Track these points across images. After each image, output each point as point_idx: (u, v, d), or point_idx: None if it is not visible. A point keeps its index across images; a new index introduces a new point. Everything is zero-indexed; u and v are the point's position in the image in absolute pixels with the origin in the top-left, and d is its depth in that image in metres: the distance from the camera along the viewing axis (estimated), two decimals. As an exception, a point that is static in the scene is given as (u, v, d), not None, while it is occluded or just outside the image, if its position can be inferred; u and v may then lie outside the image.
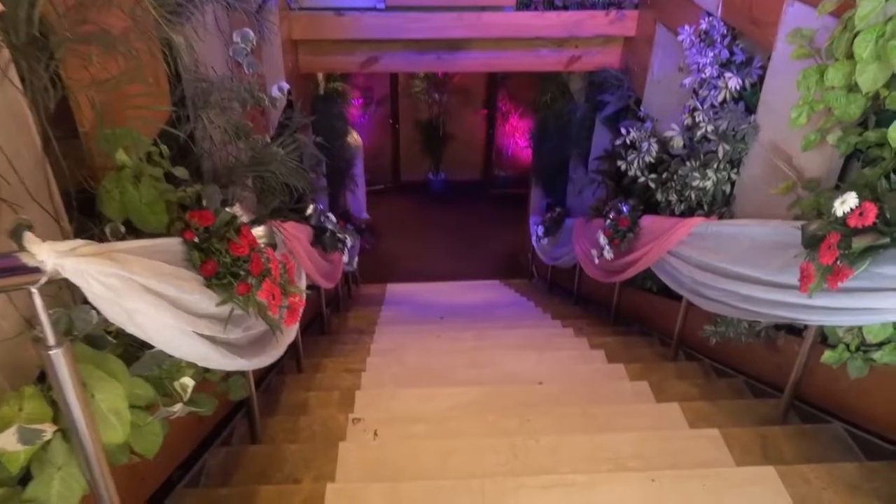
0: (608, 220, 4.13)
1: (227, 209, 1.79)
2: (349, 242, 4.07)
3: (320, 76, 5.90)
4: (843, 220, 1.97)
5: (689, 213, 3.50)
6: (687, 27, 3.39)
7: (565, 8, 4.55)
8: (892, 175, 1.95)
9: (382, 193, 10.09)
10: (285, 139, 2.76)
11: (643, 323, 4.46)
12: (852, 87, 2.06)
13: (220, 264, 1.62)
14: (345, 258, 4.01)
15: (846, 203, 1.96)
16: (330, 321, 4.99)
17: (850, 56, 1.99)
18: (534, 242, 6.32)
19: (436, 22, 4.48)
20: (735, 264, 2.79)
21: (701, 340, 3.41)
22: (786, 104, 2.82)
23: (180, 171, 1.99)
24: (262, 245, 1.77)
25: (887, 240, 1.83)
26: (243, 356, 1.82)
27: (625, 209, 4.06)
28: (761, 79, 3.04)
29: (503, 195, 9.87)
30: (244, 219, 1.77)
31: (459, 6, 4.46)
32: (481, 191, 10.15)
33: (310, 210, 3.87)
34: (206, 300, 1.51)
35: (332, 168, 6.26)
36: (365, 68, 4.89)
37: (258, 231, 1.80)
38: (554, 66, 4.99)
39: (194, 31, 2.46)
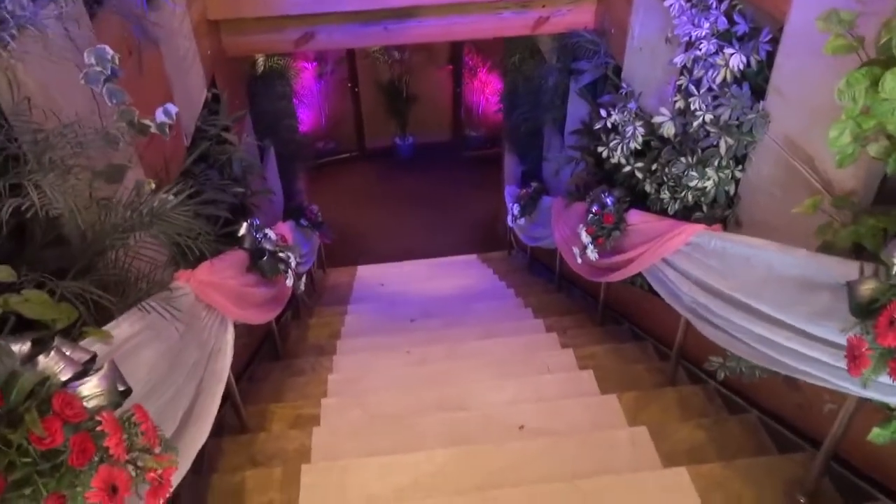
0: (590, 215, 3.59)
1: (43, 357, 1.24)
2: (293, 261, 3.50)
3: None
4: (910, 285, 1.46)
5: (684, 213, 2.97)
6: (675, -10, 2.78)
7: (528, -37, 3.88)
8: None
9: (347, 162, 9.43)
10: (183, 185, 2.16)
11: (635, 322, 3.98)
12: (916, 99, 1.51)
13: (18, 467, 1.08)
14: (289, 280, 3.45)
15: (913, 261, 1.44)
16: (288, 334, 4.48)
17: (917, 59, 1.44)
18: (510, 222, 5.78)
19: (377, -11, 3.82)
20: (747, 295, 2.28)
21: (703, 356, 2.95)
22: (803, 91, 2.26)
23: (3, 273, 1.44)
24: (95, 410, 1.22)
25: (981, 327, 1.33)
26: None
27: (609, 201, 3.51)
28: (770, 55, 2.46)
29: (477, 157, 9.25)
30: (64, 375, 1.22)
31: (404, -32, 3.78)
32: (453, 153, 9.51)
33: (242, 230, 3.28)
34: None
35: (282, 155, 5.64)
36: (300, 46, 4.22)
37: (90, 387, 1.25)
38: (519, 29, 4.34)
39: (40, 54, 1.85)
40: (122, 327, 1.73)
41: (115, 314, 1.78)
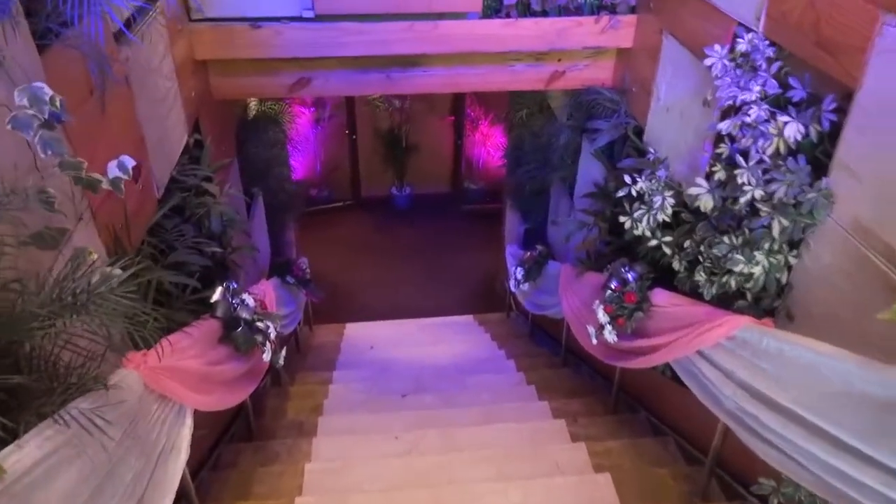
0: (609, 291, 3.22)
1: None
2: (272, 332, 3.09)
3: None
4: None
5: (722, 298, 2.59)
6: (717, 48, 2.45)
7: (545, 14, 3.58)
8: None
9: (342, 211, 9.08)
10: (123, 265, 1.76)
11: (655, 412, 3.56)
12: None
13: None
14: (266, 355, 3.02)
15: None
16: (264, 406, 4.02)
17: None
18: (511, 286, 5.39)
19: (380, 34, 3.50)
20: (815, 413, 1.88)
21: (748, 470, 2.53)
22: (883, 172, 1.90)
23: None
24: None
25: None
26: None
27: (630, 277, 3.15)
28: (834, 125, 2.12)
29: (476, 211, 8.93)
30: None
31: (409, 13, 3.47)
32: (452, 206, 9.19)
33: (216, 296, 2.88)
34: None
35: (271, 205, 5.28)
36: (295, 91, 3.89)
37: None
38: (532, 83, 4.04)
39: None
40: (26, 450, 1.32)
41: (20, 431, 1.36)
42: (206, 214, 3.24)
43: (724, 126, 2.40)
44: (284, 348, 3.28)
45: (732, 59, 2.45)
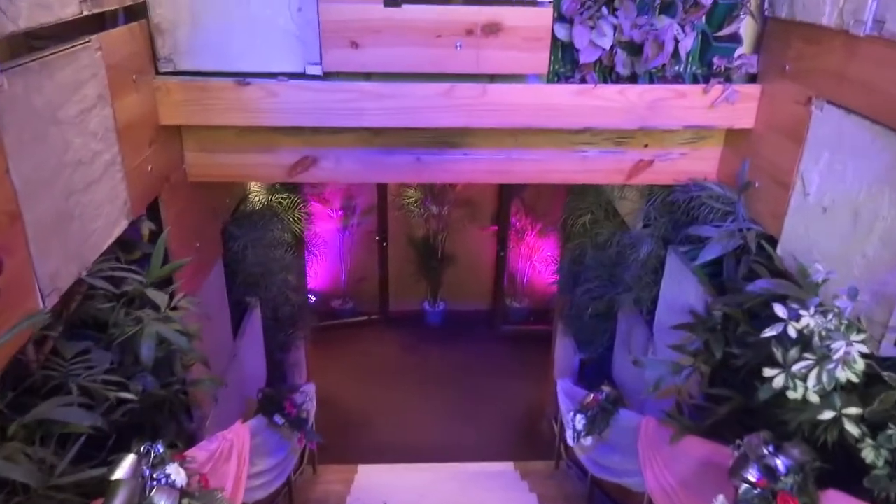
0: (744, 484, 2.04)
1: None
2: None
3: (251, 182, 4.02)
4: None
5: None
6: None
7: (634, 79, 2.64)
8: None
9: (365, 326, 8.06)
10: None
11: None
12: None
13: None
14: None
15: None
16: None
17: None
18: (569, 440, 4.17)
19: (410, 99, 2.58)
20: None
21: None
22: None
23: None
24: None
25: None
26: None
27: (781, 465, 1.98)
28: None
29: (518, 332, 7.82)
30: None
31: (449, 72, 2.56)
32: (491, 325, 8.09)
33: (120, 471, 1.80)
34: None
35: (273, 319, 4.30)
36: (296, 174, 2.95)
37: None
38: (608, 175, 3.05)
39: None
40: None
41: None
42: (137, 338, 2.23)
43: None
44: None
45: None
